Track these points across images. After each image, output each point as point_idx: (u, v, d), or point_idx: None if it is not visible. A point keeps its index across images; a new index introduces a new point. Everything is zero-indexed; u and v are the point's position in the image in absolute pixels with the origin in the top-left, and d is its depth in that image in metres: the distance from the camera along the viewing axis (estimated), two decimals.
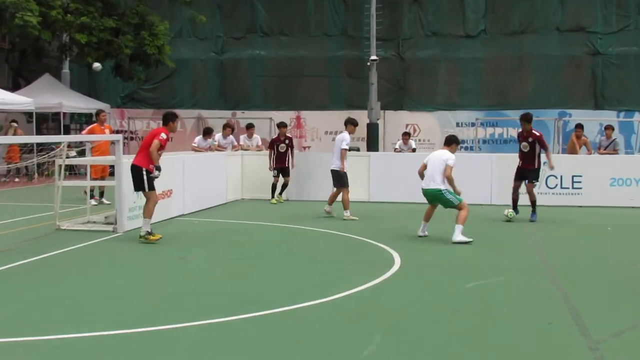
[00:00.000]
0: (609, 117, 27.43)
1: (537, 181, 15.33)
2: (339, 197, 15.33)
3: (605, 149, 19.51)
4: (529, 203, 15.05)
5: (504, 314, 7.46)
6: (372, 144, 27.06)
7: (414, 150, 21.08)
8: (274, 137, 18.99)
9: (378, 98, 27.73)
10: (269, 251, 11.41)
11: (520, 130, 15.54)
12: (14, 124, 24.35)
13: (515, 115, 28.97)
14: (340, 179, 15.36)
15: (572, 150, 20.04)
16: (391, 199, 17.87)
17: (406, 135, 21.70)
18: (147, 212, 11.70)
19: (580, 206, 17.39)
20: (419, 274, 9.54)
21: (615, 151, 19.66)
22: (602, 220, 15.20)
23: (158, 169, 11.83)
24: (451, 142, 12.66)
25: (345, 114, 29.98)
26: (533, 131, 15.07)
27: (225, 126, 20.41)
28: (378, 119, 27.74)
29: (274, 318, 7.19)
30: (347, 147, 15.46)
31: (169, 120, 12.20)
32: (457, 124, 29.36)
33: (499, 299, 8.12)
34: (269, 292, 8.40)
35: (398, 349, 6.22)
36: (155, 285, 8.80)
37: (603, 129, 20.33)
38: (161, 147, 11.82)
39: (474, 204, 15.75)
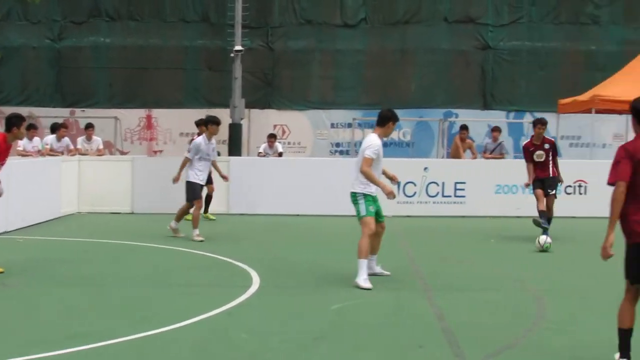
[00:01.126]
0: (498, 117, 28.23)
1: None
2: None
3: (491, 153, 20.05)
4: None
5: (371, 338, 7.64)
6: (235, 147, 26.95)
7: (280, 154, 21.04)
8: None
9: (243, 95, 27.67)
10: (108, 274, 11.20)
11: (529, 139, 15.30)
12: None
13: (398, 114, 29.57)
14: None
15: (456, 155, 20.59)
16: (254, 211, 17.97)
17: (272, 138, 21.72)
18: None
19: (464, 216, 17.98)
20: (279, 296, 9.63)
21: (502, 155, 20.33)
22: (485, 232, 15.76)
23: None
24: (386, 119, 10.80)
25: (204, 113, 29.96)
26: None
27: (59, 126, 19.96)
28: (242, 119, 27.70)
29: (109, 350, 7.12)
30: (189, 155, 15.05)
31: (12, 124, 11.09)
32: (332, 125, 29.61)
33: (367, 322, 8.32)
34: (106, 321, 8.28)
35: None
36: None
37: (490, 131, 20.93)
38: None
39: (343, 215, 16.16)
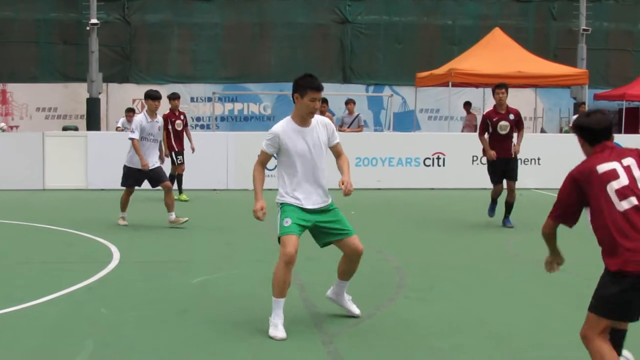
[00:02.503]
0: (358, 91, 28.72)
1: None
2: None
3: (349, 127, 20.27)
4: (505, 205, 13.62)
5: (230, 311, 7.70)
6: (93, 122, 26.54)
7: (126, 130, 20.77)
8: (165, 114, 16.67)
9: (100, 69, 27.24)
10: None
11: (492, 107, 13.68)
12: None
13: (256, 88, 29.75)
14: None
15: None
16: (114, 186, 17.61)
17: (131, 112, 21.41)
18: None
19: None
20: (140, 271, 9.57)
21: (360, 128, 20.61)
22: (345, 204, 15.97)
23: None
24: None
25: (60, 87, 29.48)
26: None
27: None
28: (100, 93, 27.27)
29: None
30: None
31: None
32: (192, 99, 29.51)
33: (227, 294, 8.40)
34: None
35: (111, 357, 6.25)
36: None
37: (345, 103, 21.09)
38: None
39: (207, 189, 16.11)
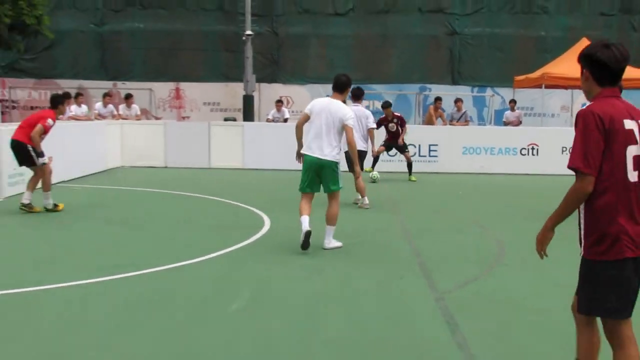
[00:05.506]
0: (465, 92, 28.27)
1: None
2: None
3: (457, 121, 20.02)
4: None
5: (362, 270, 7.66)
6: (248, 114, 26.89)
7: (286, 120, 21.06)
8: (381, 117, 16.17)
9: (253, 71, 27.51)
10: (146, 216, 11.24)
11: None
12: None
13: (381, 89, 29.64)
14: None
15: (430, 122, 20.58)
16: (264, 166, 17.98)
17: (279, 103, 21.80)
18: (46, 185, 11.04)
19: (436, 172, 18.01)
20: (286, 236, 9.52)
21: (466, 122, 20.33)
22: (454, 186, 15.80)
23: (40, 155, 10.95)
24: (348, 84, 9.09)
25: (222, 86, 30.11)
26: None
27: (104, 95, 19.94)
28: (253, 91, 27.55)
29: (149, 277, 7.16)
30: (374, 126, 13.30)
31: (57, 103, 11.20)
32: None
33: (360, 257, 8.36)
34: (146, 254, 8.32)
35: (264, 304, 6.33)
36: (32, 249, 8.58)
37: (454, 102, 20.85)
38: (45, 132, 10.96)
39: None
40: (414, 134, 18.71)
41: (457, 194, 14.54)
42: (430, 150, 18.54)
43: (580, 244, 3.79)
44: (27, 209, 11.00)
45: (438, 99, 20.79)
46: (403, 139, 16.29)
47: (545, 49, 29.64)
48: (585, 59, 3.78)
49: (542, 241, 3.92)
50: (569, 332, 5.69)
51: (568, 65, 22.17)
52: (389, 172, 16.33)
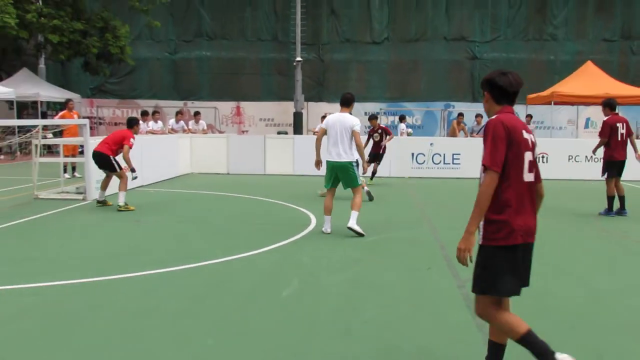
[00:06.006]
0: (483, 108, 27.99)
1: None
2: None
3: (477, 134, 19.77)
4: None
5: (394, 261, 7.60)
6: (297, 128, 27.06)
7: None
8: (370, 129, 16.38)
9: (302, 92, 27.70)
10: (210, 215, 11.28)
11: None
12: None
13: (411, 106, 29.52)
14: None
15: (453, 134, 20.40)
16: (310, 173, 17.88)
17: (324, 118, 21.67)
18: (124, 185, 11.33)
19: (459, 178, 17.80)
20: (332, 231, 9.50)
21: None
22: (474, 189, 15.53)
23: (132, 170, 11.38)
24: (352, 100, 9.36)
25: (276, 105, 30.28)
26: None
27: (177, 113, 20.15)
28: (302, 109, 27.74)
29: (211, 268, 7.18)
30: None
31: (133, 124, 11.71)
32: (365, 113, 29.37)
33: (392, 250, 8.28)
34: (208, 247, 8.34)
35: (311, 291, 6.30)
36: (113, 242, 8.68)
37: (475, 117, 20.67)
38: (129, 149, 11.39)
39: (396, 177, 15.96)
40: (440, 144, 18.57)
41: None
42: (453, 159, 18.34)
43: (479, 233, 3.82)
44: (102, 204, 11.56)
45: (460, 115, 20.61)
46: (384, 146, 16.04)
47: (555, 70, 29.31)
48: (487, 83, 3.93)
49: (468, 247, 3.80)
50: (573, 312, 5.59)
51: (574, 84, 21.88)
52: (420, 178, 16.17)
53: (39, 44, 27.74)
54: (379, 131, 16.08)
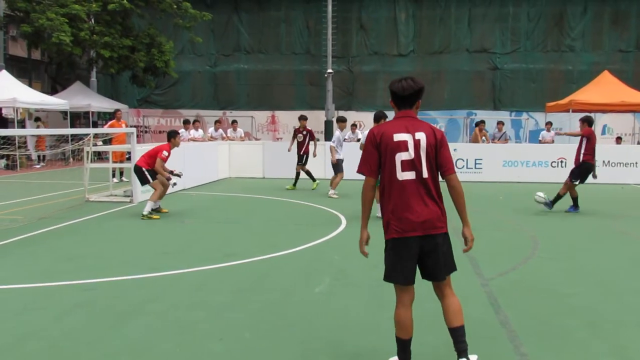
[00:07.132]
0: (504, 116, 27.73)
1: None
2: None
3: (498, 140, 19.63)
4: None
5: None
6: (329, 135, 27.06)
7: (358, 140, 20.90)
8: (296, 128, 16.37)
9: (333, 101, 27.76)
10: (248, 216, 11.35)
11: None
12: (39, 122, 25.11)
13: (435, 114, 29.33)
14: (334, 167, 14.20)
15: (475, 140, 20.15)
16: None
17: (353, 126, 21.64)
18: (155, 196, 11.04)
19: (481, 181, 17.65)
20: (358, 233, 9.41)
21: (506, 141, 19.87)
22: (496, 192, 15.45)
23: (177, 175, 11.29)
24: (383, 117, 10.54)
25: (309, 113, 30.15)
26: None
27: (216, 122, 20.33)
28: (333, 117, 27.71)
29: (251, 265, 7.24)
30: (332, 144, 14.16)
31: (171, 137, 11.22)
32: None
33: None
34: (247, 246, 8.39)
35: (342, 288, 6.32)
36: (160, 242, 8.79)
37: (496, 124, 20.49)
38: (164, 161, 11.04)
39: None
40: (463, 150, 18.42)
41: (498, 199, 14.21)
42: (476, 164, 18.19)
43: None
44: (157, 211, 11.19)
45: (482, 122, 20.38)
46: (311, 151, 15.94)
47: (572, 80, 28.93)
48: (389, 89, 3.96)
49: (360, 240, 4.03)
50: (593, 310, 5.50)
51: (591, 93, 21.58)
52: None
53: (91, 59, 28.29)
54: (304, 132, 15.87)
